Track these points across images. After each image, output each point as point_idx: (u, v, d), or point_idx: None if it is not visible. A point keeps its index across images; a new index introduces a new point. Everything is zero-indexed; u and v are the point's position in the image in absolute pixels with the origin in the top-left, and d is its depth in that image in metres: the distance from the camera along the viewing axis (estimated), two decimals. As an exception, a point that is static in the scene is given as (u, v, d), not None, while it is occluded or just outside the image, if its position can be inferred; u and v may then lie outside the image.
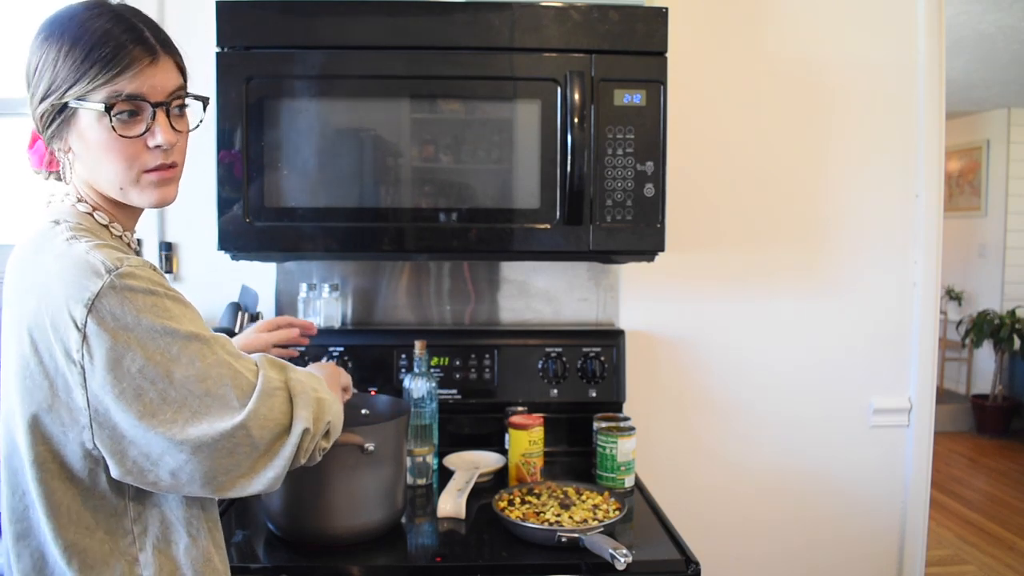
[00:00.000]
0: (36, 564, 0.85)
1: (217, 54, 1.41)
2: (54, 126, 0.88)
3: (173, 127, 0.91)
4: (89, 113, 0.86)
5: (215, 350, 0.85)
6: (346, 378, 1.21)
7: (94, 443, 0.82)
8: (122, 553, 0.86)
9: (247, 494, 0.87)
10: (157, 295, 0.82)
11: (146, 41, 0.87)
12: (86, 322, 0.79)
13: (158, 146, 0.89)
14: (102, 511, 0.85)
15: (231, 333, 1.58)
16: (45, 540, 0.84)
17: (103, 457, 0.83)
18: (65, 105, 0.86)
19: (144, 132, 0.88)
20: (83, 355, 0.80)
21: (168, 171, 0.92)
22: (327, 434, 0.94)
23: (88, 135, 0.88)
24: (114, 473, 0.83)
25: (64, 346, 0.80)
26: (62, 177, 0.94)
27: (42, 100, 0.87)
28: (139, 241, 1.80)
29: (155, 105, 0.88)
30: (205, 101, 0.97)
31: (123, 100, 0.86)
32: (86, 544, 0.84)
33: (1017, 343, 5.12)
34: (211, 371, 0.83)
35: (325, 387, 0.97)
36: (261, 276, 1.80)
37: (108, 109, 0.85)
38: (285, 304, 1.83)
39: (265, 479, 0.87)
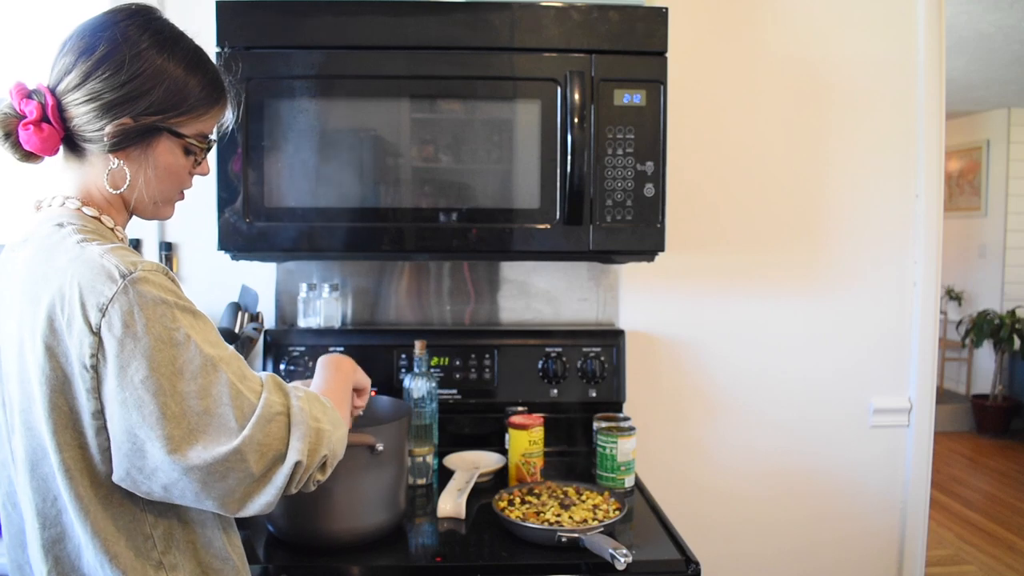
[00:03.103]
0: (74, 566, 0.85)
1: (217, 54, 1.41)
2: (131, 141, 0.89)
3: None
4: (172, 140, 0.92)
5: (219, 367, 0.83)
6: (362, 378, 1.16)
7: (108, 443, 0.82)
8: (147, 557, 0.86)
9: (240, 515, 0.86)
10: (168, 304, 0.82)
11: (226, 89, 0.98)
12: (100, 327, 0.79)
13: (199, 174, 1.00)
14: (123, 517, 0.85)
15: (231, 333, 1.58)
16: (81, 544, 0.84)
17: None
18: (152, 128, 0.90)
19: (197, 163, 0.99)
20: (98, 360, 0.79)
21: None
22: (323, 466, 0.92)
23: (161, 159, 0.92)
24: (114, 476, 0.83)
25: (79, 351, 0.80)
26: (87, 172, 0.91)
27: (138, 113, 0.88)
28: (139, 241, 1.80)
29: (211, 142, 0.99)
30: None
31: (206, 140, 0.97)
32: (116, 550, 0.84)
33: (1017, 343, 5.12)
34: (213, 388, 0.82)
35: (329, 414, 0.93)
36: (261, 276, 1.79)
37: (207, 146, 0.97)
38: (285, 304, 1.83)
39: (258, 504, 0.85)
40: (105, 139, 0.88)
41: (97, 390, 0.80)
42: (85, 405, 0.81)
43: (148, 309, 0.80)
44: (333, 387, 1.07)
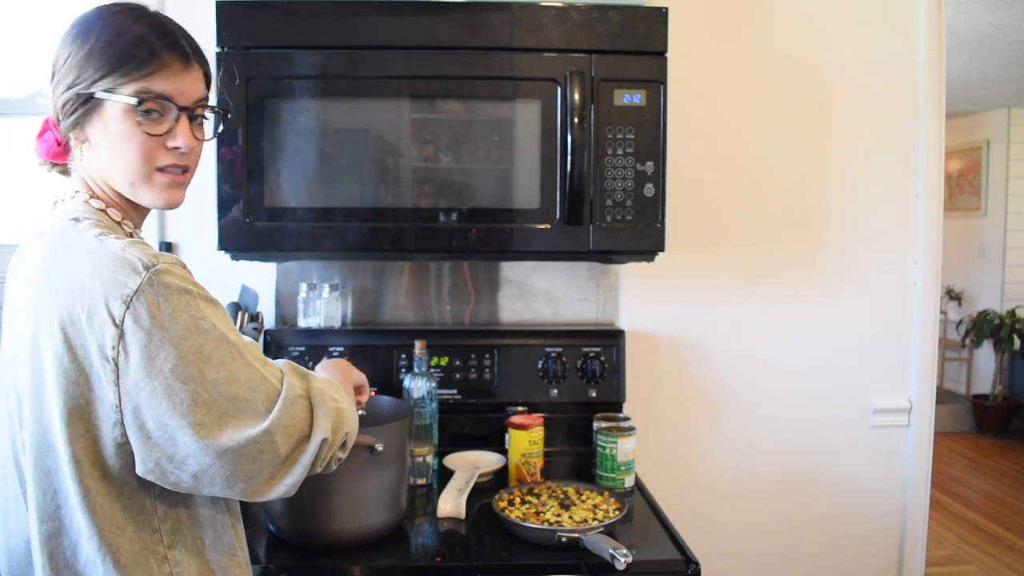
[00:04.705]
0: (68, 563, 0.85)
1: (217, 54, 1.41)
2: (76, 115, 0.90)
3: (193, 134, 0.94)
4: (116, 105, 0.88)
5: (244, 354, 0.86)
6: (359, 376, 1.20)
7: (125, 438, 0.83)
8: (152, 551, 0.86)
9: (266, 499, 0.88)
10: (191, 294, 0.84)
11: (181, 48, 0.92)
12: (124, 319, 0.80)
13: (176, 148, 0.92)
14: (131, 510, 0.86)
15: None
16: (79, 539, 0.84)
17: (133, 454, 0.84)
18: (91, 96, 0.88)
19: (166, 132, 0.91)
20: (118, 352, 0.80)
21: (180, 175, 0.95)
22: (343, 444, 0.96)
23: (111, 126, 0.89)
24: (138, 470, 0.84)
25: (99, 342, 0.80)
26: (69, 170, 0.95)
27: (67, 89, 0.89)
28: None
29: (180, 108, 0.92)
30: (225, 114, 1.03)
31: (152, 98, 0.89)
32: (119, 543, 0.84)
33: (1017, 343, 5.12)
34: (240, 375, 0.84)
35: (344, 397, 0.98)
36: (261, 276, 1.79)
37: (139, 104, 0.88)
38: (285, 304, 1.83)
39: (284, 486, 0.88)
40: (60, 119, 0.91)
41: (116, 383, 0.81)
42: (102, 397, 0.82)
43: (174, 299, 0.82)
44: (339, 381, 1.10)
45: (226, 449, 0.82)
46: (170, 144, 0.92)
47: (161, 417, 0.81)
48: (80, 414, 0.83)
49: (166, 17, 0.94)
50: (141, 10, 0.93)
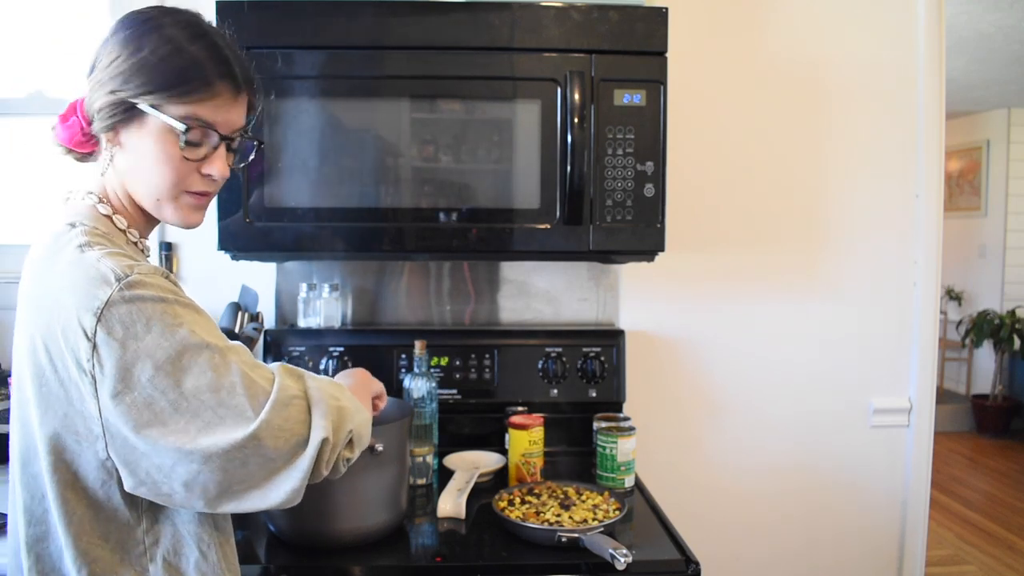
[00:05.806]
0: (52, 568, 0.85)
1: (217, 54, 1.41)
2: (113, 119, 0.88)
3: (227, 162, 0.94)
4: (158, 122, 0.87)
5: (228, 359, 0.83)
6: (378, 386, 1.19)
7: (107, 453, 0.81)
8: (132, 564, 0.85)
9: (265, 507, 0.84)
10: (167, 302, 0.81)
11: (234, 77, 0.91)
12: (95, 331, 0.78)
13: (209, 175, 0.92)
14: (114, 522, 0.84)
15: (231, 333, 1.58)
16: (61, 546, 0.84)
17: (116, 469, 0.82)
18: (134, 106, 0.87)
19: (203, 158, 0.91)
20: (93, 364, 0.78)
21: (204, 198, 0.95)
22: (351, 444, 0.92)
23: (147, 141, 0.88)
24: (127, 485, 0.82)
25: (75, 356, 0.79)
26: (100, 165, 0.93)
27: (110, 93, 0.87)
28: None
29: (222, 138, 0.91)
30: (260, 145, 1.01)
31: (199, 125, 0.88)
32: (98, 554, 0.83)
33: (1017, 343, 5.12)
34: (224, 380, 0.81)
35: (347, 395, 0.94)
36: (261, 276, 1.79)
37: (187, 130, 0.87)
38: (285, 304, 1.83)
39: (282, 492, 0.84)
40: (95, 117, 0.89)
41: (96, 395, 0.79)
42: (83, 411, 0.81)
43: (148, 308, 0.80)
44: (351, 385, 1.09)
45: (211, 454, 0.79)
46: (205, 171, 0.91)
47: (143, 428, 0.79)
48: (60, 427, 0.82)
49: (222, 37, 0.92)
50: (199, 27, 0.91)
